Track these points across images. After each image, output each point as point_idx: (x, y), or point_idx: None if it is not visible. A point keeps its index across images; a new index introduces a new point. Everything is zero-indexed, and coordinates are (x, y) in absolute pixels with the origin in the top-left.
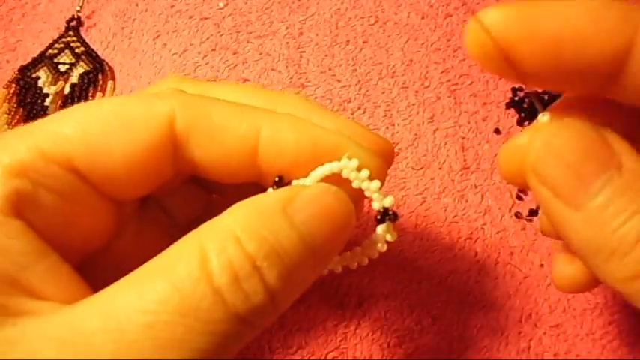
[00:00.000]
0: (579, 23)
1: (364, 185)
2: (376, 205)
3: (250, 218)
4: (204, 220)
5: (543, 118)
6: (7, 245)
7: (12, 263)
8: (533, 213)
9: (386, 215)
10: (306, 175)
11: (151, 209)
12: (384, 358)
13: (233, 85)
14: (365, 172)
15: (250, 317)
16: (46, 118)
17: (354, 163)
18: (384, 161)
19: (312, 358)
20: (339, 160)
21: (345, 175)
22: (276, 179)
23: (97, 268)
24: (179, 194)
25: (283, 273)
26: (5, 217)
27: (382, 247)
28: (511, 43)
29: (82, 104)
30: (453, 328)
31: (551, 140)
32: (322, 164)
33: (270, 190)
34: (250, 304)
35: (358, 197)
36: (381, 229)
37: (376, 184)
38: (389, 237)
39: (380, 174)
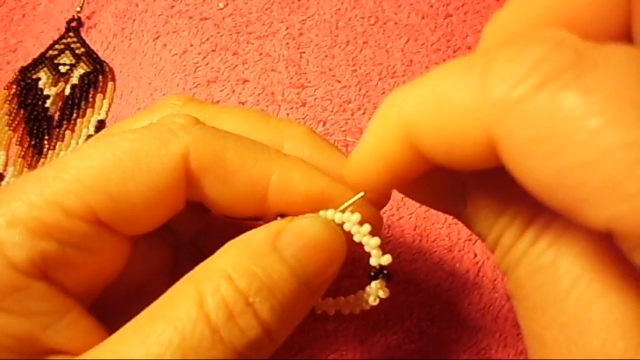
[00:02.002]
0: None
1: (364, 240)
2: (373, 262)
3: (241, 256)
4: (206, 233)
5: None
6: (31, 308)
7: (35, 325)
8: None
9: (380, 273)
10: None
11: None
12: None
13: (238, 112)
14: (367, 227)
15: (247, 351)
16: (60, 163)
17: (357, 217)
18: (381, 217)
19: None
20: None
21: (346, 228)
22: (278, 217)
23: (111, 293)
24: (183, 213)
25: (276, 306)
26: (29, 280)
27: (374, 301)
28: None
29: (95, 143)
30: (452, 330)
31: None
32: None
33: None
34: (246, 339)
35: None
36: (374, 284)
37: (376, 240)
38: (381, 293)
39: (379, 229)
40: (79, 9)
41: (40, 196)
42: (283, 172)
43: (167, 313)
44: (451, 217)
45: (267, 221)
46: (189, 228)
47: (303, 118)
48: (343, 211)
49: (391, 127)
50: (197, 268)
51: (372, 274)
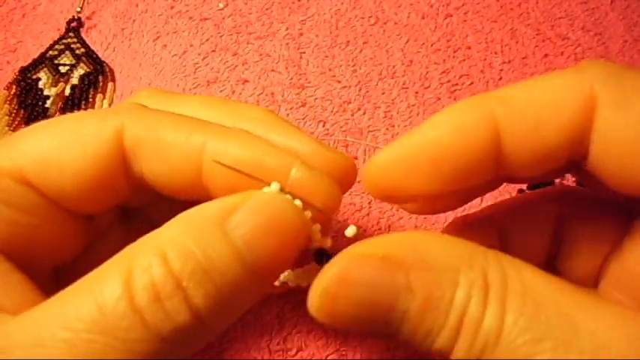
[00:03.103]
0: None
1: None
2: (314, 245)
3: (182, 233)
4: (159, 206)
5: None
6: None
7: None
8: None
9: (322, 255)
10: None
11: (136, 219)
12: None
13: (199, 99)
14: (308, 213)
15: (173, 337)
16: (7, 137)
17: (275, 186)
18: (336, 183)
19: None
20: (285, 179)
21: None
22: None
23: (79, 275)
24: (159, 204)
25: (212, 292)
26: None
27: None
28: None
29: (43, 121)
30: None
31: (336, 290)
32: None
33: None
34: (173, 324)
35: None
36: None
37: (317, 227)
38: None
39: (330, 199)
40: (79, 9)
41: None
42: (217, 140)
43: (93, 287)
44: (451, 216)
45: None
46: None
47: (303, 119)
48: (286, 193)
49: (481, 127)
50: (136, 242)
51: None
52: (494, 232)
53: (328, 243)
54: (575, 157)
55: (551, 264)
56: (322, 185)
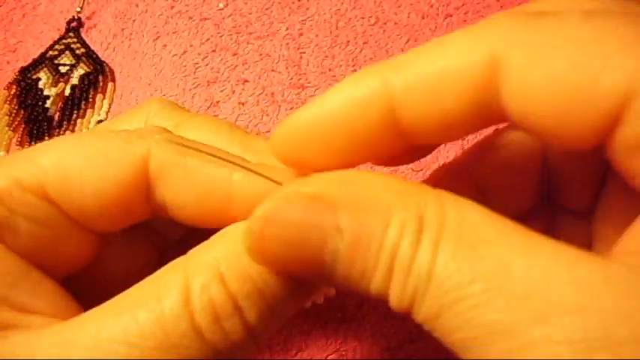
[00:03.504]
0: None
1: None
2: None
3: (235, 253)
4: (195, 235)
5: None
6: None
7: (2, 285)
8: None
9: None
10: None
11: (140, 228)
12: None
13: (208, 121)
14: None
15: (229, 353)
16: (29, 149)
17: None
18: None
19: None
20: None
21: None
22: None
23: (85, 281)
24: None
25: (264, 311)
26: None
27: None
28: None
29: (66, 136)
30: None
31: (265, 228)
32: None
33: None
34: (230, 342)
35: None
36: None
37: None
38: None
39: None
40: (79, 9)
41: (2, 173)
42: (246, 172)
43: (150, 302)
44: None
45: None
46: (175, 231)
47: None
48: None
49: (374, 99)
50: (189, 257)
51: None
52: (471, 181)
53: None
54: (491, 117)
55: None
56: None
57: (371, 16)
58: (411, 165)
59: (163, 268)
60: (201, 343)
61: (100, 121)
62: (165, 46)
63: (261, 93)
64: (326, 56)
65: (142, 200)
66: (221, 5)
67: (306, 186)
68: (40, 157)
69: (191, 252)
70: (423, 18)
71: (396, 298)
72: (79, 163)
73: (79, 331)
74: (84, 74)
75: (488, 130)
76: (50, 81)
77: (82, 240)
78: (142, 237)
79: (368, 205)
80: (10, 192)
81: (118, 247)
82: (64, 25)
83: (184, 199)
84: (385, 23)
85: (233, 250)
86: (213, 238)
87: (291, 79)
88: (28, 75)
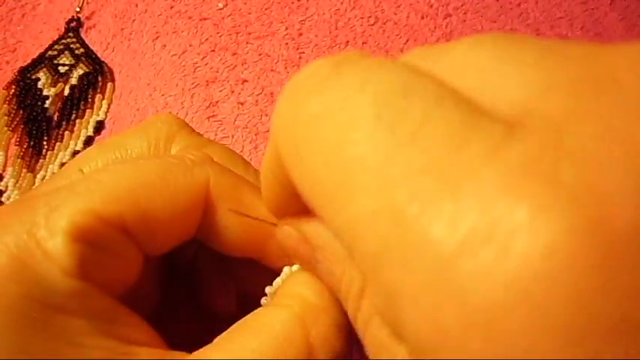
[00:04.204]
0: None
1: None
2: None
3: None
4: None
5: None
6: (91, 307)
7: (100, 321)
8: None
9: None
10: None
11: None
12: None
13: (224, 152)
14: None
15: None
16: (89, 179)
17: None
18: None
19: None
20: None
21: None
22: (285, 268)
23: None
24: None
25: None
26: (79, 282)
27: None
28: None
29: (121, 163)
30: None
31: None
32: None
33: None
34: None
35: None
36: None
37: None
38: None
39: None
40: (78, 9)
41: (77, 206)
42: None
43: (276, 352)
44: None
45: (266, 262)
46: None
47: None
48: None
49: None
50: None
51: None
52: None
53: None
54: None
55: None
56: None
57: (370, 16)
58: None
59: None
60: None
61: (99, 122)
62: (164, 46)
63: (261, 93)
64: (325, 56)
65: (196, 225)
66: (220, 5)
67: None
68: (110, 187)
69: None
70: (422, 18)
71: None
72: (152, 195)
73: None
74: (83, 74)
75: None
76: (49, 81)
77: (139, 264)
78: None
79: None
80: (93, 228)
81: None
82: (64, 25)
83: (231, 229)
84: (385, 23)
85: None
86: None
87: (291, 79)
88: (28, 75)
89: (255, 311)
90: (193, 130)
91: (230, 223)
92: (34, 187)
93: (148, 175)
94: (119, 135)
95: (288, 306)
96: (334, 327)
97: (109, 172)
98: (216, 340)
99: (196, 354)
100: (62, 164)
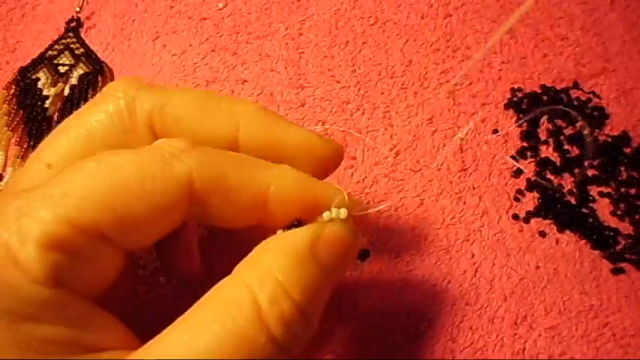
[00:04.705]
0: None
1: None
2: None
3: (290, 264)
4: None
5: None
6: (63, 315)
7: (73, 329)
8: (530, 214)
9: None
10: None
11: None
12: None
13: (191, 95)
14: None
15: (297, 351)
16: (66, 182)
17: (344, 212)
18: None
19: None
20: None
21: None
22: (295, 222)
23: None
24: None
25: (319, 305)
26: (52, 291)
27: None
28: None
29: (98, 163)
30: (448, 331)
31: None
32: (319, 211)
33: (279, 231)
34: (299, 343)
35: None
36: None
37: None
38: None
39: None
40: (78, 9)
41: (49, 212)
42: (280, 183)
43: (226, 321)
44: (449, 218)
45: (266, 227)
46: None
47: (302, 119)
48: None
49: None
50: (242, 271)
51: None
52: None
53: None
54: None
55: None
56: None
57: (370, 16)
58: (410, 165)
59: (221, 285)
60: (278, 350)
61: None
62: (164, 46)
63: (261, 93)
64: (325, 56)
65: (181, 218)
66: (220, 5)
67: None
68: (86, 193)
69: (244, 267)
70: (422, 18)
71: None
72: (128, 196)
73: (158, 354)
74: (83, 74)
75: None
76: (49, 81)
77: (117, 261)
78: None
79: None
80: (66, 236)
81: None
82: (64, 25)
83: (226, 212)
84: (385, 23)
85: (285, 262)
86: (258, 251)
87: (291, 79)
88: (27, 75)
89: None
90: (152, 86)
91: (222, 210)
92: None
93: (124, 176)
94: (77, 114)
95: (238, 275)
96: (282, 290)
97: (82, 173)
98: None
99: (152, 344)
100: None
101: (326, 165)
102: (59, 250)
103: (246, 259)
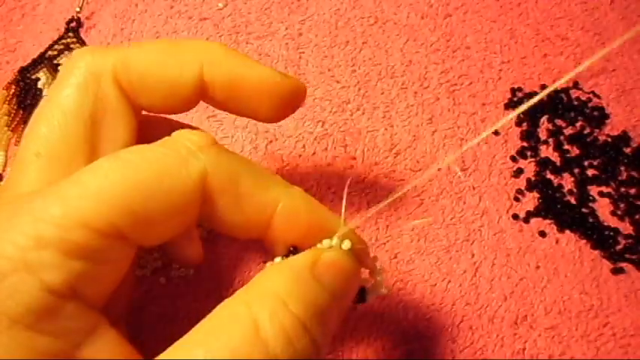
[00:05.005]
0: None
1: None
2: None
3: (291, 283)
4: None
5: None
6: (64, 328)
7: (68, 344)
8: (530, 214)
9: (363, 294)
10: (308, 246)
11: None
12: None
13: (151, 45)
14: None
15: None
16: (81, 183)
17: (348, 244)
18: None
19: None
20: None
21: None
22: (291, 249)
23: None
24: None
25: (325, 328)
26: (62, 301)
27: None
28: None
29: (114, 162)
30: (448, 331)
31: None
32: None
33: (278, 258)
34: (304, 357)
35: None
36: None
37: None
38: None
39: (367, 255)
40: (78, 9)
41: (66, 216)
42: (289, 203)
43: (221, 337)
44: (449, 218)
45: (266, 244)
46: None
47: (302, 118)
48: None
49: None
50: (247, 290)
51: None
52: None
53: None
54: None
55: None
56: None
57: (370, 16)
58: (410, 165)
59: (221, 306)
60: None
61: None
62: None
63: None
64: (325, 56)
65: (196, 215)
66: (220, 5)
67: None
68: (102, 194)
69: (247, 288)
70: (422, 18)
71: None
72: (145, 194)
73: None
74: None
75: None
76: (49, 81)
77: (130, 257)
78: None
79: None
80: (86, 242)
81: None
82: (64, 25)
83: (233, 217)
84: (385, 23)
85: (286, 282)
86: (258, 277)
87: None
88: (28, 75)
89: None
90: (109, 47)
91: (229, 214)
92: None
93: (141, 175)
94: (47, 97)
95: (238, 295)
96: (282, 305)
97: (97, 173)
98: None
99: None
100: None
101: (287, 101)
102: (79, 257)
103: (246, 285)
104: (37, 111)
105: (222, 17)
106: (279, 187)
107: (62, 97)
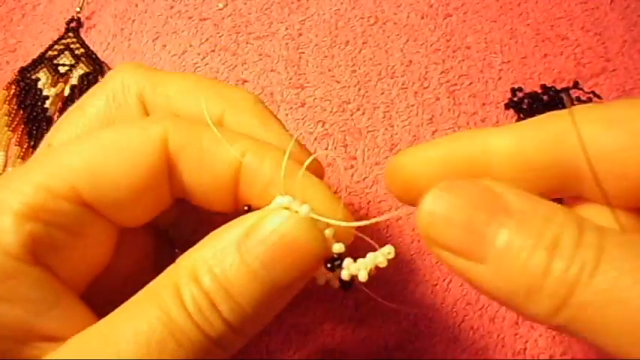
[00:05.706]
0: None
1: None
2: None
3: (208, 255)
4: (180, 223)
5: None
6: (25, 295)
7: (29, 312)
8: None
9: (334, 261)
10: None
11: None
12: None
13: (186, 77)
14: (330, 231)
15: (219, 341)
16: (44, 151)
17: (306, 208)
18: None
19: None
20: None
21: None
22: (245, 208)
23: (101, 283)
24: (173, 213)
25: (235, 307)
26: (23, 265)
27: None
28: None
29: (83, 135)
30: (449, 331)
31: (434, 207)
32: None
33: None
34: (215, 331)
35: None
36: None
37: (330, 231)
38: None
39: (346, 214)
40: (78, 9)
41: (26, 181)
42: (256, 153)
43: (155, 300)
44: None
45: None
46: (166, 217)
47: (302, 119)
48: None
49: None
50: (179, 259)
51: (329, 264)
52: None
53: (342, 249)
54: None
55: None
56: (337, 202)
57: (370, 16)
58: None
59: (161, 275)
60: (197, 330)
61: None
62: (164, 46)
63: (261, 93)
64: (325, 56)
65: (166, 185)
66: (220, 5)
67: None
68: (64, 158)
69: (180, 257)
70: (422, 18)
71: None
72: (104, 159)
73: (95, 336)
74: (83, 74)
75: None
76: (49, 81)
77: (108, 238)
78: (154, 236)
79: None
80: (43, 204)
81: (124, 238)
82: (64, 25)
83: (199, 179)
84: (385, 23)
85: (205, 253)
86: (195, 247)
87: (291, 79)
88: (28, 75)
89: None
90: (151, 68)
91: (196, 174)
92: None
93: (101, 140)
94: (87, 95)
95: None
96: (193, 278)
97: (65, 144)
98: None
99: (81, 335)
100: None
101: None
102: (36, 219)
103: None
104: (67, 110)
105: (222, 17)
106: (245, 140)
107: (89, 100)
